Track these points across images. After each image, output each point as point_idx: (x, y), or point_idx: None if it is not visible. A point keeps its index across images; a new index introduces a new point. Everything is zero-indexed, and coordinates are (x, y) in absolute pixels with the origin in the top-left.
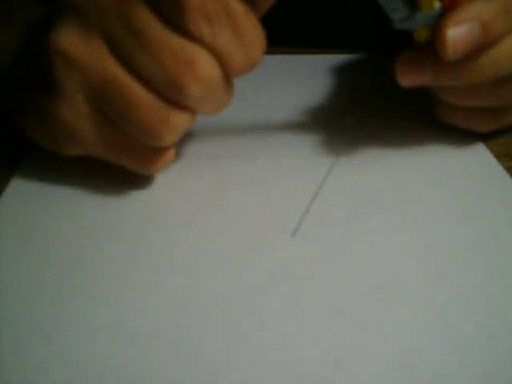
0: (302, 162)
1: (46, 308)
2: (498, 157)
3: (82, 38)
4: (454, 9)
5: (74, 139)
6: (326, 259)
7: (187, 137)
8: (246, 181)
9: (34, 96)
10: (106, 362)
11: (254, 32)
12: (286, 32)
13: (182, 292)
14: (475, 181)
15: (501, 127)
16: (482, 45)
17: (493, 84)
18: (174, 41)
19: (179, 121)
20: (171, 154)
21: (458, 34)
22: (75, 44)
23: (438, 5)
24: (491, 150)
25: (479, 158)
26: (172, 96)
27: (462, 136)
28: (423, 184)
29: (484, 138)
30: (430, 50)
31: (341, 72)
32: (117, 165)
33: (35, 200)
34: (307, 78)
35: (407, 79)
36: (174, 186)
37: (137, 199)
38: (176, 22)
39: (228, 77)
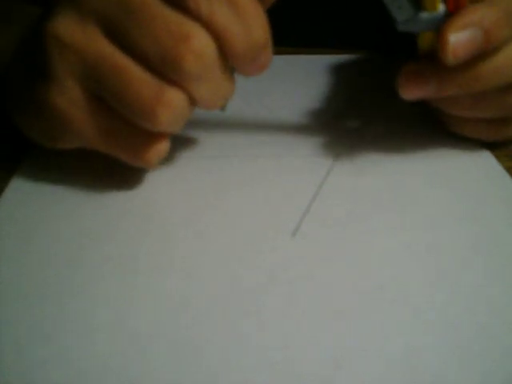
0: (302, 162)
1: (46, 308)
2: (498, 157)
3: (78, 23)
4: (458, 12)
5: (69, 129)
6: (326, 259)
7: (187, 137)
8: (246, 181)
9: (29, 88)
10: (106, 362)
11: (254, 11)
12: (286, 32)
13: (182, 292)
14: (475, 181)
15: (510, 137)
16: (485, 51)
17: (497, 93)
18: (170, 16)
19: (174, 98)
20: (164, 144)
21: (459, 39)
22: (70, 29)
23: (442, 7)
24: (491, 150)
25: (479, 157)
26: (167, 71)
27: (462, 137)
28: (423, 184)
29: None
30: (431, 60)
31: (341, 72)
32: (113, 157)
33: (35, 200)
34: (307, 78)
35: (410, 91)
36: (174, 186)
37: (137, 199)
38: None
39: (227, 59)
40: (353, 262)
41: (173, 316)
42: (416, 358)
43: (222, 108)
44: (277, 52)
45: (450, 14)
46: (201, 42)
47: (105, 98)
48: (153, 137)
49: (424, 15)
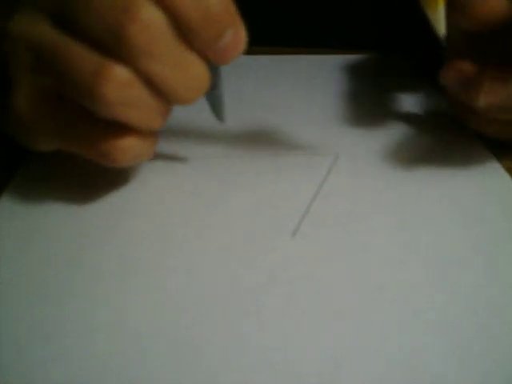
0: (302, 162)
1: (46, 308)
2: (498, 157)
3: (30, 18)
4: None
5: (34, 131)
6: (326, 259)
7: (187, 137)
8: (246, 180)
9: (1, 94)
10: (106, 362)
11: None
12: (286, 32)
13: (182, 292)
14: (475, 181)
15: None
16: None
17: None
18: None
19: (118, 72)
20: (131, 140)
21: None
22: (22, 24)
23: None
24: (491, 149)
25: (479, 157)
26: (112, 47)
27: (462, 136)
28: (423, 184)
29: (484, 137)
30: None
31: (341, 72)
32: (83, 158)
33: (35, 200)
34: (307, 78)
35: (491, 97)
36: (174, 186)
37: (137, 199)
38: None
39: (190, 41)
40: (353, 262)
41: (173, 316)
42: (416, 358)
43: (220, 118)
44: (277, 52)
45: None
46: (146, 11)
47: (55, 86)
48: (115, 132)
49: None
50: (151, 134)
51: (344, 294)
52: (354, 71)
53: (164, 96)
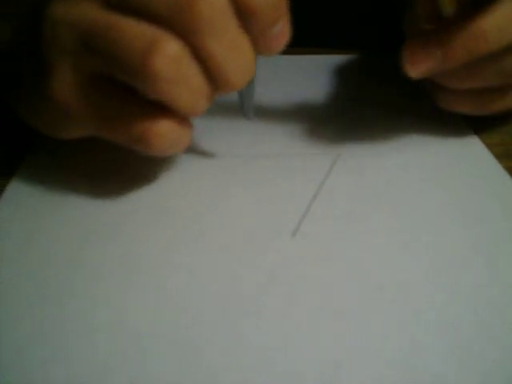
0: (302, 162)
1: (46, 308)
2: (498, 157)
3: (73, 1)
4: None
5: (70, 116)
6: (326, 259)
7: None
8: (246, 181)
9: (29, 78)
10: (106, 362)
11: None
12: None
13: (182, 292)
14: (475, 181)
15: (506, 107)
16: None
17: (496, 57)
18: None
19: (169, 46)
20: (170, 125)
21: None
22: (65, 6)
23: None
24: (491, 149)
25: (479, 157)
26: (172, 20)
27: (462, 136)
28: (423, 184)
29: (484, 138)
30: (431, 33)
31: (341, 72)
32: (116, 144)
33: (35, 200)
34: (307, 77)
35: (417, 67)
36: (173, 186)
37: (137, 199)
38: None
39: (246, 23)
40: (353, 262)
41: (173, 316)
42: (416, 358)
43: (247, 115)
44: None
45: None
46: None
47: (101, 67)
48: (154, 115)
49: None
50: (188, 122)
51: (344, 294)
52: (354, 71)
53: (214, 77)
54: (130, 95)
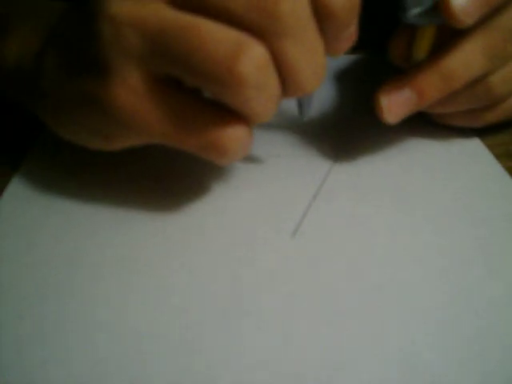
0: (302, 162)
1: (46, 308)
2: (498, 157)
3: (138, 0)
4: None
5: (131, 123)
6: (326, 259)
7: None
8: (246, 181)
9: (74, 84)
10: (106, 362)
11: None
12: None
13: (182, 292)
14: (475, 181)
15: (499, 119)
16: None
17: (466, 89)
18: None
19: (257, 51)
20: (244, 130)
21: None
22: (127, 5)
23: None
24: (491, 150)
25: (479, 158)
26: (256, 23)
27: (462, 136)
28: (423, 184)
29: (484, 138)
30: (406, 76)
31: (341, 72)
32: (183, 151)
33: (36, 200)
34: None
35: (394, 113)
36: (173, 187)
37: (137, 199)
38: None
39: (323, 20)
40: (353, 262)
41: (173, 316)
42: (416, 358)
43: (304, 116)
44: None
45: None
46: None
47: (174, 73)
48: (229, 120)
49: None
50: (252, 127)
51: (344, 294)
52: (354, 71)
53: (288, 81)
54: (198, 100)
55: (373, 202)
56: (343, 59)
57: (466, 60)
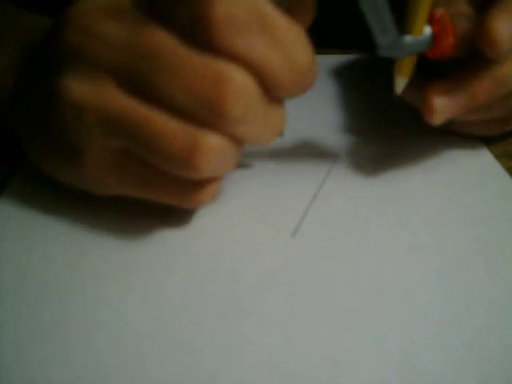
0: (302, 163)
1: (46, 308)
2: (498, 157)
3: (90, 80)
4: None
5: (105, 186)
6: (326, 259)
7: None
8: (246, 181)
9: (49, 141)
10: (106, 362)
11: (293, 35)
12: None
13: (182, 292)
14: (475, 181)
15: (508, 130)
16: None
17: (501, 99)
18: (198, 59)
19: (213, 144)
20: (216, 184)
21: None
22: (83, 88)
23: (428, 30)
24: (491, 150)
25: (479, 158)
26: (204, 118)
27: (462, 137)
28: (423, 184)
29: (484, 138)
30: (455, 78)
31: (341, 72)
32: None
33: (35, 200)
34: None
35: (442, 114)
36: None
37: (137, 199)
38: (200, 38)
39: (272, 91)
40: (353, 262)
41: (173, 316)
42: (416, 358)
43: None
44: None
45: (435, 38)
46: (240, 80)
47: (137, 153)
48: (202, 181)
49: (409, 39)
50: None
51: (344, 294)
52: (354, 71)
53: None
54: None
55: (373, 202)
56: (344, 59)
57: None
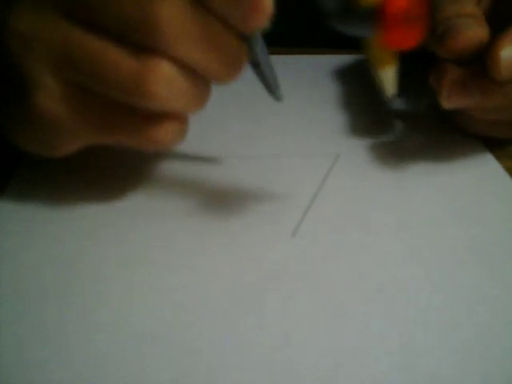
0: (302, 162)
1: (46, 308)
2: (498, 157)
3: (36, 13)
4: (507, 28)
5: (63, 130)
6: (326, 259)
7: (187, 137)
8: (246, 181)
9: (9, 99)
10: (106, 362)
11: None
12: (286, 32)
13: (182, 291)
14: (475, 181)
15: None
16: None
17: None
18: None
19: (159, 66)
20: (175, 122)
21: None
22: (30, 21)
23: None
24: (491, 150)
25: (479, 158)
26: (143, 39)
27: (462, 137)
28: (423, 184)
29: (484, 138)
30: (475, 71)
31: (341, 72)
32: (118, 146)
33: (35, 200)
34: (307, 78)
35: (453, 102)
36: (173, 187)
37: (136, 199)
38: None
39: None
40: (353, 262)
41: (173, 316)
42: (416, 358)
43: (276, 97)
44: (277, 52)
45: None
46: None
47: (89, 86)
48: (158, 115)
49: (358, 10)
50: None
51: (344, 294)
52: (354, 71)
53: (205, 79)
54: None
55: (373, 202)
56: (343, 59)
57: None
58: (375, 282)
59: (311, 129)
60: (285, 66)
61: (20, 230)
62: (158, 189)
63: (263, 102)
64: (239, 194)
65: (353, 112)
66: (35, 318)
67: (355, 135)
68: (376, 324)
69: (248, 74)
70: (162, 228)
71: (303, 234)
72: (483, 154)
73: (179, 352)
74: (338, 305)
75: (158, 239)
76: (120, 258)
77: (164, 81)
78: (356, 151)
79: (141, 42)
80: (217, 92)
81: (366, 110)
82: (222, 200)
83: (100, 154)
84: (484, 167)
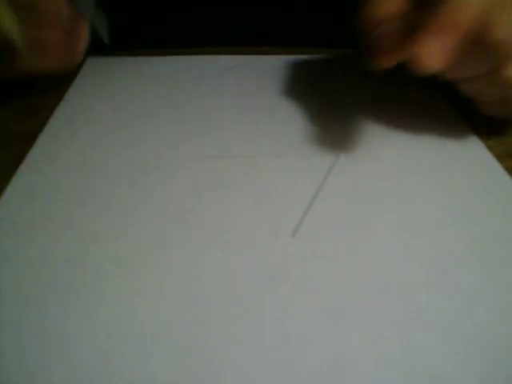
0: (302, 162)
1: (46, 308)
2: (498, 157)
3: None
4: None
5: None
6: (326, 259)
7: (187, 137)
8: (247, 181)
9: None
10: (106, 362)
11: None
12: (286, 32)
13: (182, 292)
14: (475, 181)
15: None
16: None
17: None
18: None
19: None
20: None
21: None
22: None
23: None
24: (491, 150)
25: (479, 158)
26: None
27: (462, 136)
28: (423, 184)
29: (484, 138)
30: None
31: (341, 71)
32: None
33: (35, 200)
34: (307, 78)
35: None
36: (174, 187)
37: (137, 199)
38: None
39: None
40: (353, 262)
41: (173, 316)
42: (416, 358)
43: (105, 40)
44: (276, 52)
45: None
46: None
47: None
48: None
49: None
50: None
51: (344, 294)
52: (353, 71)
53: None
54: None
55: (373, 202)
56: (343, 58)
57: None
58: (375, 282)
59: (311, 129)
60: (283, 66)
61: (20, 229)
62: (158, 189)
63: (263, 102)
64: (239, 193)
65: (352, 112)
66: (35, 318)
67: (355, 136)
68: (376, 324)
69: (248, 74)
70: (161, 228)
71: (303, 234)
72: (483, 154)
73: (179, 352)
74: (338, 305)
75: (157, 239)
76: (120, 258)
77: None
78: (355, 152)
79: None
80: (217, 92)
81: (365, 110)
82: (221, 200)
83: (100, 154)
84: (484, 167)
